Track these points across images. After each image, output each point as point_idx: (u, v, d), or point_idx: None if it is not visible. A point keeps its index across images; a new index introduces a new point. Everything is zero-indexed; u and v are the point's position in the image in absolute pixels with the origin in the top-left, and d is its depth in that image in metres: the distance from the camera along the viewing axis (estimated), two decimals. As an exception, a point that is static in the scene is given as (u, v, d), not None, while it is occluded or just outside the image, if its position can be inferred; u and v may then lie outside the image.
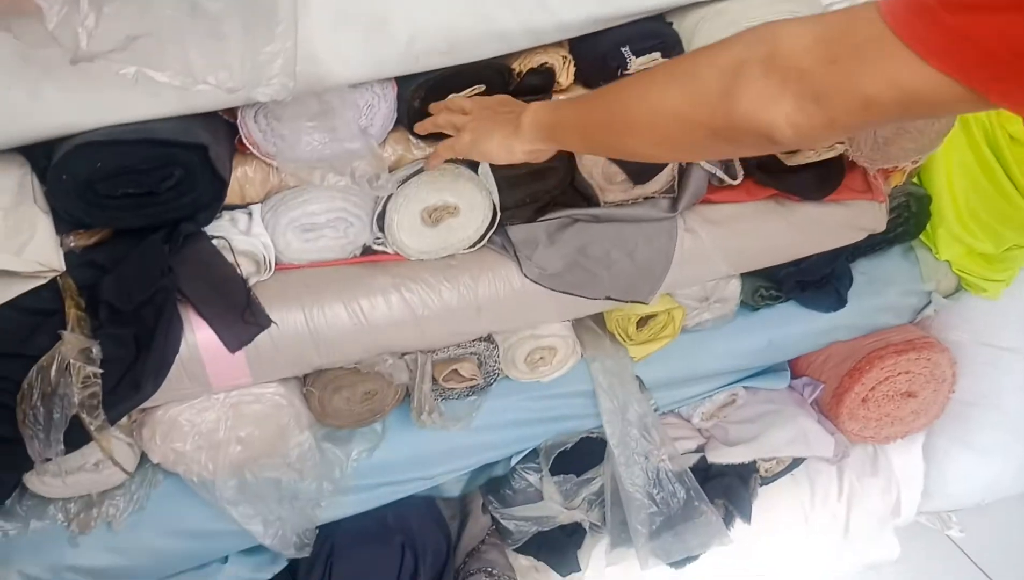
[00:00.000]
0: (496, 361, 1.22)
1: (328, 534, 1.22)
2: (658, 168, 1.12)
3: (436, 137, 1.00)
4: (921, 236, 1.43)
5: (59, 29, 0.69)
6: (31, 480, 1.04)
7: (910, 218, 1.38)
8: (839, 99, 0.54)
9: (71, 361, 0.89)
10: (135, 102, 0.85)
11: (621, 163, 1.11)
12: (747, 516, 1.46)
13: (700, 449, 1.46)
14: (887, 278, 1.45)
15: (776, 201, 1.24)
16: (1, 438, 0.92)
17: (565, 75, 1.04)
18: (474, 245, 1.11)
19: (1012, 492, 1.74)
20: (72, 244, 0.94)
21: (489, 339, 1.20)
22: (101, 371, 0.92)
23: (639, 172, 1.12)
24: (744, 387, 1.49)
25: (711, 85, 0.60)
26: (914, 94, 0.51)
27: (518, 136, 0.86)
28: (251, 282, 1.00)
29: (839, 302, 1.39)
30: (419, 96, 0.97)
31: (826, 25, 0.55)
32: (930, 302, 1.49)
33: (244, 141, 0.95)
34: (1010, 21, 0.45)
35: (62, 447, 0.91)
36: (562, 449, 1.33)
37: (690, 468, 1.39)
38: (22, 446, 0.91)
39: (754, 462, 1.47)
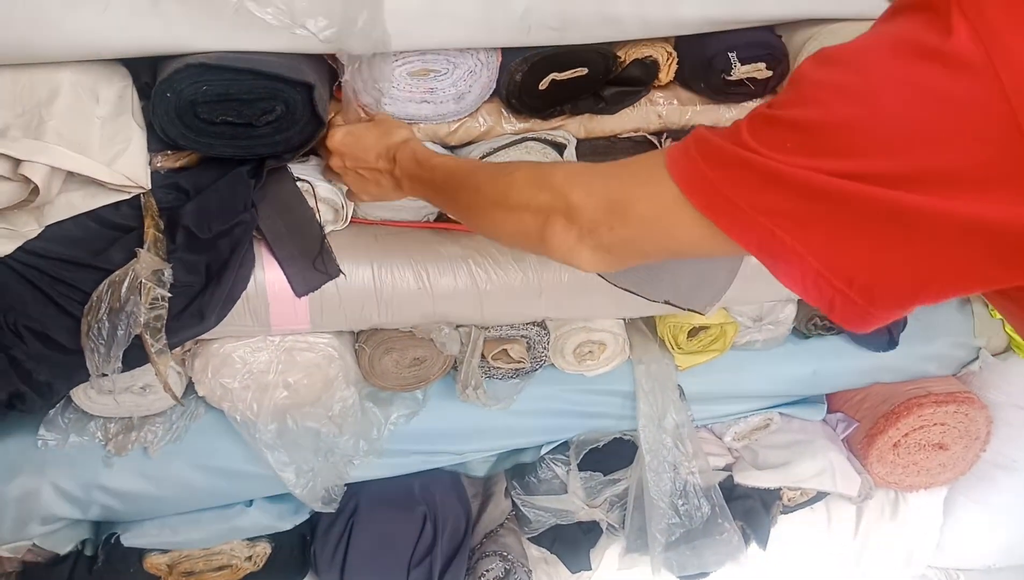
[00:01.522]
0: (545, 347, 1.21)
1: (354, 493, 1.22)
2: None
3: (542, 111, 1.00)
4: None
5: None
6: (78, 394, 1.04)
7: (974, 271, 1.36)
8: (625, 253, 0.65)
9: (143, 280, 0.89)
10: (248, 33, 0.85)
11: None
12: (764, 542, 1.45)
13: (728, 468, 1.45)
14: (940, 327, 1.43)
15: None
16: (62, 347, 0.92)
17: (667, 71, 1.03)
18: (547, 228, 1.10)
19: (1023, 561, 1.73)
20: (159, 164, 0.94)
21: (542, 325, 1.20)
22: (169, 295, 0.92)
23: (723, 180, 1.11)
24: (780, 413, 1.48)
25: (529, 227, 0.69)
26: (691, 246, 0.59)
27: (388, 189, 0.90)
28: (327, 230, 1.00)
29: (890, 343, 1.38)
30: (522, 69, 0.96)
31: (617, 183, 0.63)
32: (977, 357, 1.48)
33: (342, 87, 0.95)
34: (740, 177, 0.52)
35: (120, 365, 0.92)
36: (593, 446, 1.32)
37: (717, 485, 1.38)
38: (81, 358, 0.92)
39: (779, 489, 1.47)
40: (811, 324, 1.35)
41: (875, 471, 1.51)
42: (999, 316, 1.42)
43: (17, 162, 0.80)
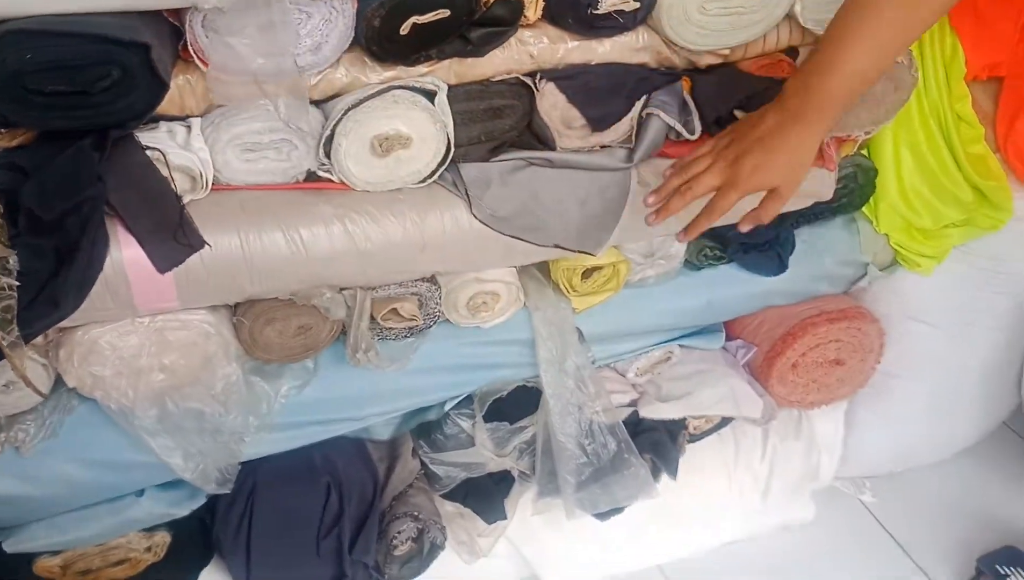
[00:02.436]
0: (437, 303, 1.18)
1: (251, 471, 1.18)
2: (618, 115, 1.10)
3: (407, 57, 0.95)
4: (863, 208, 1.44)
5: None
6: (-69, 398, 0.97)
7: (855, 189, 1.39)
8: None
9: (-18, 270, 0.82)
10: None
11: (581, 108, 1.08)
12: (673, 472, 1.48)
13: (633, 403, 1.46)
14: (827, 247, 1.46)
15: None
16: (-99, 349, 0.85)
17: (534, 9, 1.00)
18: (424, 180, 1.07)
19: (924, 462, 1.81)
20: (-11, 144, 0.86)
21: (432, 280, 1.17)
22: (17, 284, 0.85)
23: (599, 119, 1.09)
24: (680, 345, 1.50)
25: None
26: None
27: (803, 123, 0.80)
28: (185, 200, 0.94)
29: (780, 267, 1.40)
30: (380, 14, 0.91)
31: None
32: (866, 274, 1.52)
33: (189, 48, 0.88)
34: None
35: (-32, 363, 0.85)
36: (497, 396, 1.31)
37: (622, 422, 1.39)
38: (-77, 359, 0.85)
39: (684, 419, 1.49)
40: (701, 255, 1.36)
41: (776, 392, 1.55)
42: (883, 230, 1.46)
43: None
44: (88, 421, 1.05)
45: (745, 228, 0.97)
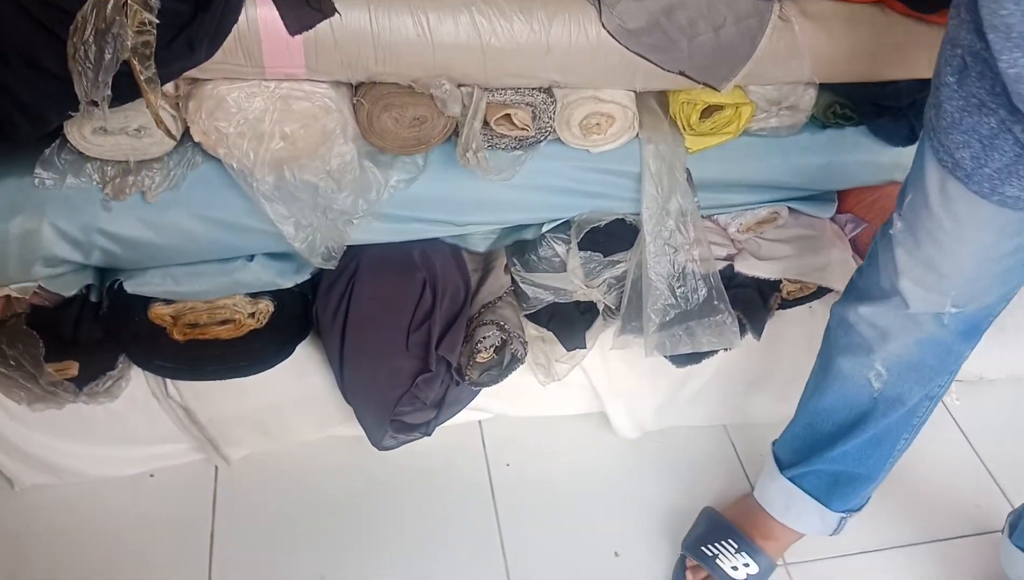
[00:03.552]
0: (551, 117, 1.17)
1: (355, 255, 1.23)
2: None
3: None
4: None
5: None
6: (72, 133, 1.02)
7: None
8: None
9: (128, 1, 0.85)
10: None
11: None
12: (758, 332, 1.47)
13: (729, 258, 1.45)
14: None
15: (880, 9, 1.16)
16: (49, 73, 0.89)
17: None
18: (557, -21, 1.04)
19: (1015, 374, 1.76)
20: None
21: (548, 91, 1.15)
22: (157, 21, 0.88)
23: (750, -66, 1.02)
24: (789, 207, 1.46)
25: None
26: None
27: None
28: (321, -36, 0.94)
29: (910, 137, 1.33)
30: None
31: None
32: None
33: None
34: None
35: (109, 93, 0.89)
36: (594, 226, 1.31)
37: (717, 271, 1.37)
38: (69, 85, 0.89)
39: (779, 281, 1.47)
40: (830, 112, 1.30)
41: (879, 273, 1.50)
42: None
43: None
44: (209, 180, 1.10)
45: None
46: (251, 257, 1.20)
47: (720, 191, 1.36)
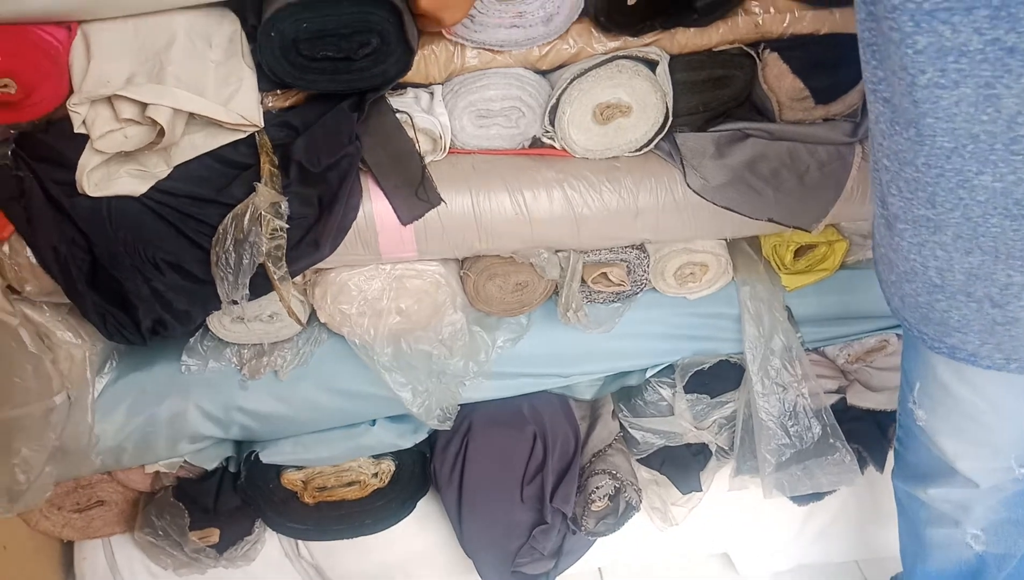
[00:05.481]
0: (645, 270, 1.22)
1: (467, 413, 1.29)
2: (844, 88, 1.08)
3: (633, 27, 0.99)
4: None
5: None
6: (213, 323, 1.14)
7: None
8: None
9: (262, 212, 0.97)
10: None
11: (805, 79, 1.07)
12: (880, 464, 1.42)
13: (841, 390, 1.42)
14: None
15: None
16: (196, 278, 1.02)
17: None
18: (641, 149, 1.11)
19: None
20: (269, 104, 1.01)
21: (641, 247, 1.21)
22: (287, 226, 0.99)
23: (824, 90, 1.08)
24: (897, 335, 1.43)
25: None
26: None
27: None
28: (427, 160, 1.05)
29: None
30: (610, -13, 0.97)
31: None
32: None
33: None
34: None
35: (247, 292, 1.00)
36: (699, 368, 1.33)
37: (828, 406, 1.36)
38: (212, 287, 1.01)
39: (895, 411, 1.42)
40: (928, 239, 1.29)
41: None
42: None
43: (143, 106, 0.88)
44: (334, 354, 1.20)
45: None
46: (373, 421, 1.28)
47: (823, 325, 1.35)
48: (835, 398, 1.40)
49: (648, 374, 1.34)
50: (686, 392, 1.35)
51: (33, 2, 0.86)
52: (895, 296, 0.88)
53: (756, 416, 1.31)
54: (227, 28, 0.95)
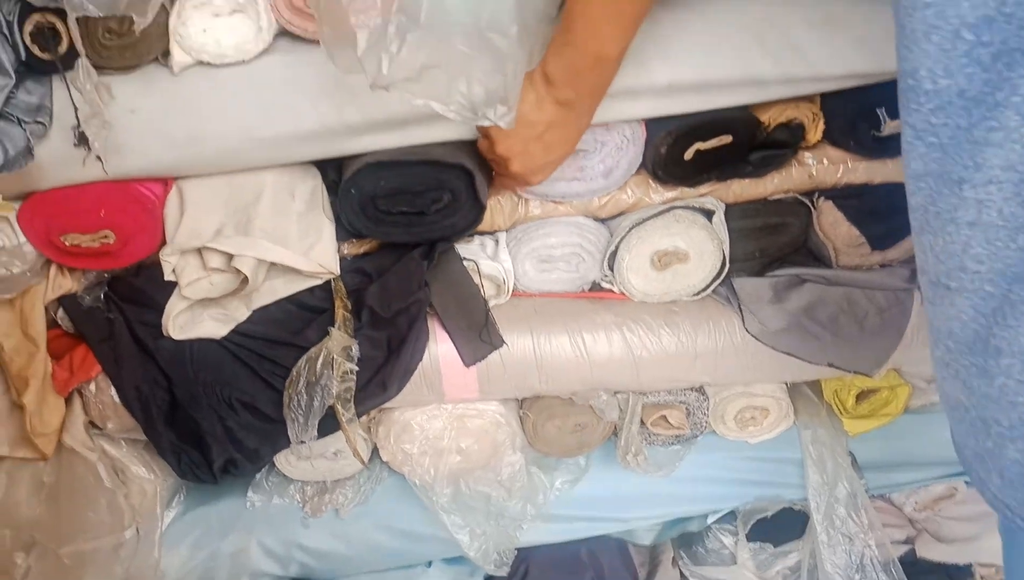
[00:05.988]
0: (705, 413, 1.22)
1: (525, 557, 1.27)
2: (900, 234, 1.10)
3: (689, 180, 1.04)
4: None
5: (366, 55, 0.76)
6: (279, 460, 1.17)
7: None
8: None
9: (335, 356, 1.01)
10: (423, 128, 0.95)
11: (861, 226, 1.10)
12: (956, 621, 1.35)
13: (909, 540, 1.37)
14: None
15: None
16: (267, 417, 1.05)
17: (814, 132, 1.05)
18: (698, 293, 1.14)
19: None
20: (345, 251, 1.07)
21: (701, 390, 1.22)
22: (357, 369, 1.03)
23: (880, 237, 1.10)
24: (966, 482, 1.39)
25: None
26: None
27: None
28: (490, 304, 1.09)
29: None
30: (667, 142, 1.02)
31: None
32: None
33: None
34: None
35: (315, 433, 1.03)
36: (761, 516, 1.30)
37: (897, 559, 1.30)
38: (283, 426, 1.04)
39: (970, 566, 1.36)
40: (994, 384, 1.28)
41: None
42: None
43: (230, 256, 0.95)
44: (394, 493, 1.21)
45: None
46: (429, 563, 1.27)
47: (888, 471, 1.32)
48: (904, 549, 1.35)
49: (709, 520, 1.32)
50: (749, 540, 1.31)
51: (135, 162, 0.94)
52: (993, 472, 0.63)
53: (822, 568, 1.26)
54: (310, 182, 1.02)
